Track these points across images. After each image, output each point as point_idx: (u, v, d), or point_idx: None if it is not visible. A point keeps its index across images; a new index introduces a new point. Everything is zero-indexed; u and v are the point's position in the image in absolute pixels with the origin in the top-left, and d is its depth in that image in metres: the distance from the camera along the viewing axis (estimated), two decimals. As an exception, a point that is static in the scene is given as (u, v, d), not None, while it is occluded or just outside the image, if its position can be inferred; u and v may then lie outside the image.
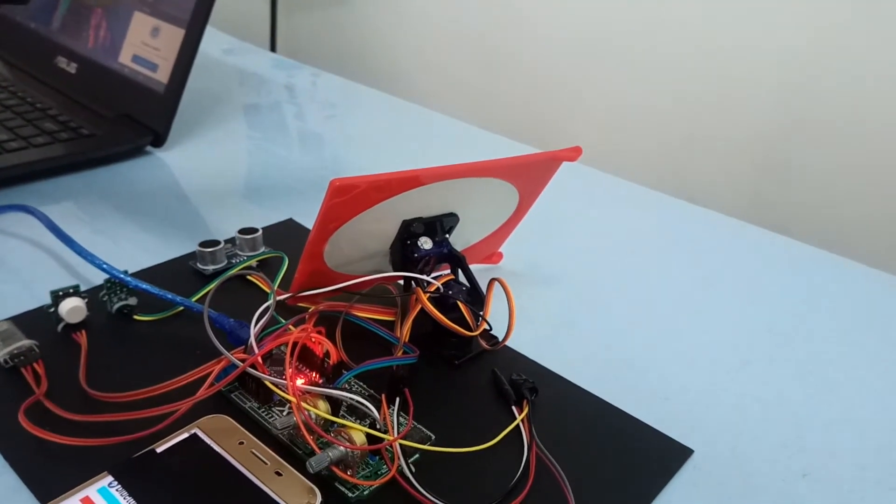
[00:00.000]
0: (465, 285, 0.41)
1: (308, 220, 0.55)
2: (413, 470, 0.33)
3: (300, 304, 0.42)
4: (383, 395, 0.36)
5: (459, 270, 0.42)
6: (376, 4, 1.45)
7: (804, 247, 0.58)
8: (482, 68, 1.34)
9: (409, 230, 0.41)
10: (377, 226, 0.41)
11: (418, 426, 0.36)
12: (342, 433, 0.33)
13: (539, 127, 1.28)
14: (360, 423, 0.33)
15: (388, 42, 1.46)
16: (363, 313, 0.42)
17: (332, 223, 0.39)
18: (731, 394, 0.42)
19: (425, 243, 0.41)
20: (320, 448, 0.32)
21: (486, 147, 0.73)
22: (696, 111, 1.11)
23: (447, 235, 0.43)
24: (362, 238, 0.41)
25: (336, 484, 0.32)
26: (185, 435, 0.34)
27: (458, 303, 0.39)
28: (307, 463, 0.31)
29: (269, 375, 0.34)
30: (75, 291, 0.42)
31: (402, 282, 0.42)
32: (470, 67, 1.35)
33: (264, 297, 0.39)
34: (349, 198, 0.37)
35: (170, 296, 0.42)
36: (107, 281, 0.43)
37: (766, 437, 0.39)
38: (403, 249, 0.41)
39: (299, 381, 0.35)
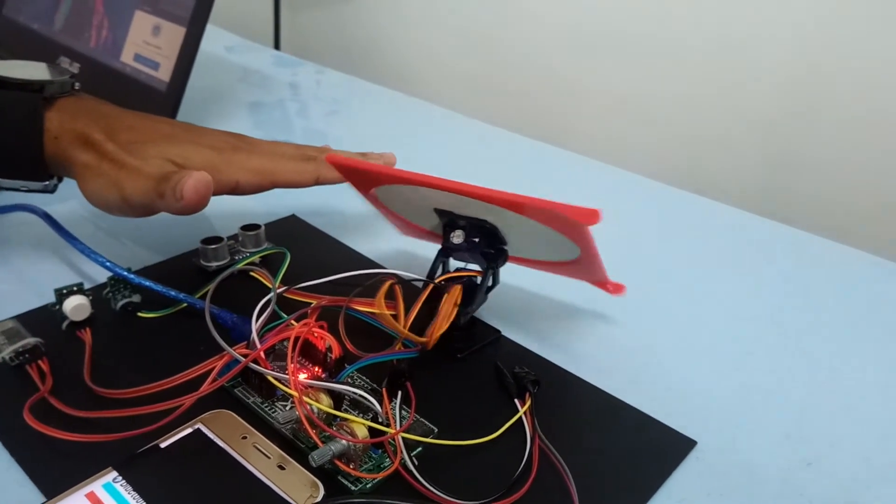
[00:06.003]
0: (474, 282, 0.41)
1: (310, 217, 0.55)
2: (416, 463, 0.33)
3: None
4: (384, 389, 0.36)
5: (490, 272, 0.42)
6: (380, 1, 1.45)
7: (808, 236, 0.58)
8: (487, 63, 1.33)
9: (448, 217, 0.42)
10: (414, 199, 0.42)
11: (421, 419, 0.36)
12: (345, 427, 0.33)
13: (544, 120, 1.27)
14: (362, 417, 0.34)
15: (391, 38, 1.46)
16: (364, 307, 0.42)
17: (356, 185, 0.44)
18: (734, 384, 0.42)
19: (456, 237, 0.41)
20: (323, 442, 0.32)
21: (491, 141, 0.73)
22: (702, 102, 1.11)
23: (485, 240, 0.42)
24: (404, 200, 0.43)
25: (339, 477, 0.33)
26: (189, 430, 0.34)
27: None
28: (310, 457, 0.31)
29: (272, 370, 0.35)
30: (79, 289, 0.42)
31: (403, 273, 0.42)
32: (475, 63, 1.35)
33: (267, 292, 0.39)
34: (350, 173, 0.40)
35: (173, 293, 0.43)
36: (110, 278, 0.43)
37: (769, 428, 0.38)
38: (444, 230, 0.42)
39: (301, 376, 0.35)
